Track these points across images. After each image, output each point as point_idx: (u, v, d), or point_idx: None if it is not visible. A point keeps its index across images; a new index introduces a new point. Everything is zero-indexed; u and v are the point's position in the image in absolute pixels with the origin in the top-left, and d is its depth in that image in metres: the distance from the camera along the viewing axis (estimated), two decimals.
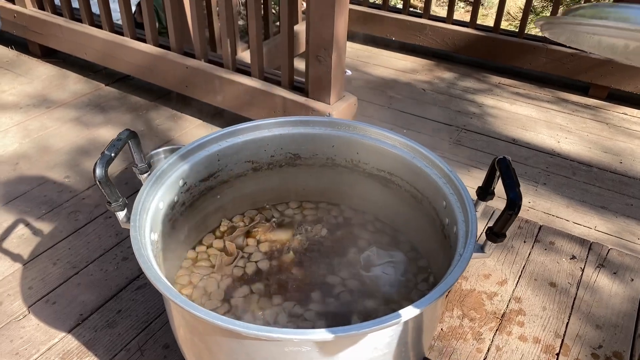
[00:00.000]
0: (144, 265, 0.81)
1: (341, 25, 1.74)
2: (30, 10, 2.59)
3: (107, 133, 2.16)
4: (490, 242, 0.88)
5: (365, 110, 2.52)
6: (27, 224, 1.70)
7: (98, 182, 0.87)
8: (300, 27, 2.67)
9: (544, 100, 2.66)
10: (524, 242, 1.68)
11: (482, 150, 2.27)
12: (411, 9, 3.26)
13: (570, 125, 2.45)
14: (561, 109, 2.58)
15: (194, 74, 2.15)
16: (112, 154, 0.89)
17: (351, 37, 3.24)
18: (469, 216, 0.92)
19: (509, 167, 0.88)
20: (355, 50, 3.17)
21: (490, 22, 3.98)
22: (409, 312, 0.75)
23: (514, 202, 0.81)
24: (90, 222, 1.72)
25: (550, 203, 1.95)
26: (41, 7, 2.60)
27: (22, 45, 2.79)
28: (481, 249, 0.89)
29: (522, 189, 1.73)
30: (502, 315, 1.43)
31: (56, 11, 2.57)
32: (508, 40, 2.73)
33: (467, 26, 2.90)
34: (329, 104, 1.88)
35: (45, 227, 1.70)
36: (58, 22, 2.48)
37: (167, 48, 2.24)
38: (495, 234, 0.86)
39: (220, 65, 2.13)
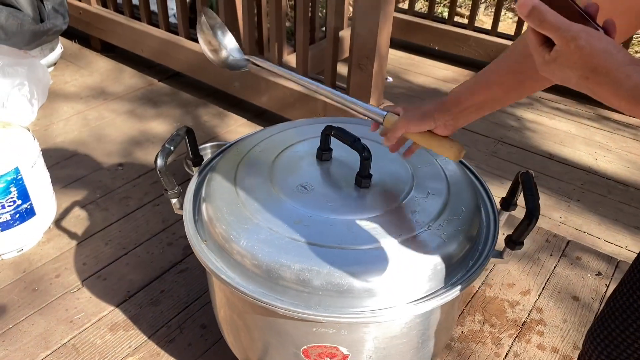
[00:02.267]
0: (196, 248, 0.92)
1: (384, 36, 1.82)
2: (95, 7, 2.77)
3: (158, 126, 2.31)
4: (508, 249, 0.95)
5: None
6: (83, 206, 1.86)
7: (158, 172, 0.98)
8: (346, 33, 2.76)
9: (584, 116, 2.65)
10: (551, 255, 1.72)
11: (517, 163, 2.29)
12: (457, 17, 3.30)
13: (609, 144, 2.44)
14: (601, 127, 2.57)
15: (242, 74, 2.27)
16: (172, 147, 1.00)
17: (394, 44, 3.30)
18: (491, 221, 0.99)
19: (531, 180, 0.95)
20: (397, 58, 3.22)
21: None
22: (421, 307, 0.83)
23: (531, 213, 0.88)
24: (140, 208, 1.85)
25: (582, 220, 1.96)
26: (104, 5, 2.78)
27: (85, 40, 2.98)
28: (500, 255, 0.96)
29: (554, 203, 1.78)
30: (523, 324, 1.48)
31: (118, 9, 2.74)
32: None
33: (511, 39, 2.92)
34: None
35: (99, 210, 1.84)
36: (119, 19, 2.65)
37: None
38: (514, 241, 0.93)
39: None
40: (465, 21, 3.12)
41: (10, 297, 1.50)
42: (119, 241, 1.72)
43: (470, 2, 3.11)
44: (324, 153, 1.02)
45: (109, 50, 2.92)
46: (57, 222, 1.77)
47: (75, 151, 2.15)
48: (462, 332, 1.45)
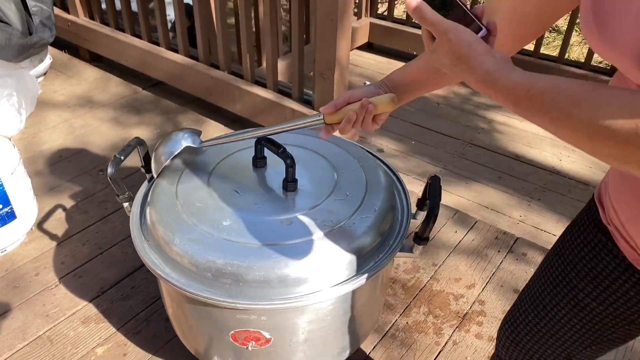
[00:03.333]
0: (138, 247, 1.05)
1: (343, 48, 1.94)
2: (82, 20, 2.91)
3: (140, 133, 2.43)
4: (416, 244, 1.06)
5: None
6: (65, 209, 1.99)
7: (109, 179, 1.11)
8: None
9: None
10: (498, 251, 1.83)
11: (485, 164, 2.40)
12: None
13: None
14: None
15: (218, 83, 2.39)
16: (122, 157, 1.13)
17: (374, 50, 3.42)
18: (404, 219, 1.11)
19: (437, 183, 1.06)
20: (377, 63, 3.34)
21: None
22: (329, 294, 0.95)
23: (431, 212, 0.99)
24: (117, 211, 1.98)
25: (541, 218, 2.07)
26: (91, 18, 2.91)
27: (74, 50, 3.12)
28: (410, 249, 1.08)
29: (516, 203, 1.90)
30: (464, 315, 1.59)
31: (104, 21, 2.88)
32: (523, 59, 2.84)
33: None
34: None
35: (79, 213, 1.97)
36: (105, 31, 2.79)
37: (197, 59, 2.50)
38: (419, 237, 1.05)
39: (241, 77, 2.37)
40: None
41: None
42: (96, 242, 1.85)
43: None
44: (258, 161, 1.14)
45: (97, 60, 3.06)
46: (39, 225, 1.91)
47: (60, 157, 2.29)
48: (407, 322, 1.57)
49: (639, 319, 0.76)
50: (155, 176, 1.15)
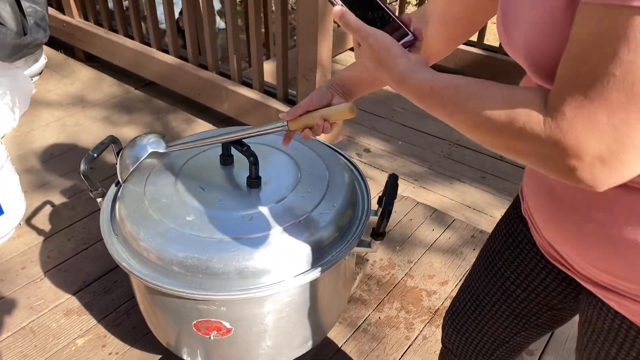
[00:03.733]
0: (107, 240, 1.10)
1: (324, 50, 1.98)
2: (77, 20, 2.97)
3: (130, 132, 2.49)
4: (373, 240, 1.11)
5: (367, 121, 2.74)
6: (53, 205, 2.04)
7: (82, 175, 1.16)
8: None
9: None
10: (474, 249, 1.87)
11: (469, 164, 2.43)
12: None
13: None
14: None
15: (206, 84, 2.45)
16: (95, 155, 1.18)
17: None
18: (364, 216, 1.15)
19: (394, 182, 1.11)
20: None
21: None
22: (282, 287, 1.00)
23: (385, 209, 1.04)
24: None
25: None
26: (86, 19, 2.97)
27: (70, 50, 3.18)
28: (369, 244, 1.12)
29: (498, 203, 1.93)
30: (436, 311, 1.64)
31: (98, 22, 2.94)
32: (512, 61, 2.87)
33: (474, 46, 3.06)
34: None
35: (67, 209, 2.03)
36: (98, 32, 2.85)
37: (186, 59, 2.55)
38: (376, 233, 1.09)
39: (229, 77, 2.42)
40: None
41: None
42: (82, 237, 1.90)
43: None
44: (225, 159, 1.19)
45: (92, 60, 3.12)
46: (28, 220, 1.96)
47: (51, 155, 2.34)
48: (379, 317, 1.61)
49: (559, 305, 0.81)
50: (121, 181, 1.20)
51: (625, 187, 0.55)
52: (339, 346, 1.53)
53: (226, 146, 1.17)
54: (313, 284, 1.07)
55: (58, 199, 2.08)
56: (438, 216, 2.03)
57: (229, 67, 2.40)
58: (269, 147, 1.25)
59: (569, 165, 0.46)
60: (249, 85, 2.36)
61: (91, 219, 1.99)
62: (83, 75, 3.02)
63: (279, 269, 1.01)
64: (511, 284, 0.84)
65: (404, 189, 2.19)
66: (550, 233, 0.71)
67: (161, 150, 1.19)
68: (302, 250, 1.03)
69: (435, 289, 1.71)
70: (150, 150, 1.18)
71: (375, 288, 1.72)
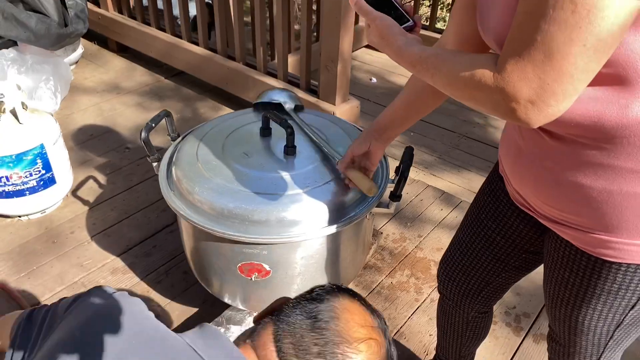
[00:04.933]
0: (165, 194, 1.29)
1: (346, 42, 2.17)
2: (111, 13, 3.18)
3: None
4: (391, 201, 1.29)
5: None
6: (95, 180, 2.25)
7: (142, 142, 1.35)
8: None
9: None
10: None
11: (476, 155, 2.61)
12: (443, 22, 3.62)
13: None
14: None
15: (233, 74, 2.64)
16: (153, 124, 1.37)
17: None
18: (383, 182, 1.34)
19: (410, 153, 1.29)
20: (384, 60, 3.55)
21: None
22: (316, 234, 1.19)
23: (402, 174, 1.23)
24: (141, 183, 2.24)
25: None
26: (120, 12, 3.18)
27: (103, 41, 3.39)
28: (387, 206, 1.31)
29: None
30: None
31: (131, 15, 3.14)
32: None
33: None
34: (335, 105, 2.32)
35: (108, 183, 2.23)
36: (132, 24, 3.06)
37: (215, 51, 2.75)
38: (393, 195, 1.28)
39: (255, 68, 2.61)
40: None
41: (35, 247, 1.90)
42: (123, 208, 2.10)
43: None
44: (264, 130, 1.38)
45: (124, 50, 3.32)
46: (74, 192, 2.17)
47: (91, 136, 2.55)
48: (392, 282, 1.80)
49: (531, 248, 1.00)
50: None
51: (563, 139, 0.74)
52: None
53: (265, 119, 1.37)
54: (337, 236, 1.26)
55: (99, 175, 2.28)
56: (446, 198, 2.21)
57: (255, 59, 2.60)
58: (303, 123, 1.44)
59: (510, 107, 0.61)
60: (273, 75, 2.56)
61: (130, 192, 2.19)
62: (116, 65, 3.22)
63: (311, 221, 1.20)
64: (492, 233, 1.03)
65: (416, 174, 2.37)
66: (516, 181, 0.89)
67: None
68: (330, 206, 1.22)
69: None
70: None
71: (388, 257, 1.90)
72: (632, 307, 0.84)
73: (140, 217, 2.06)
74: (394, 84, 3.24)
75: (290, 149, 1.31)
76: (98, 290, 0.77)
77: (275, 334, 0.70)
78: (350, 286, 1.77)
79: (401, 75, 3.32)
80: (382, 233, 2.00)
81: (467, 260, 1.10)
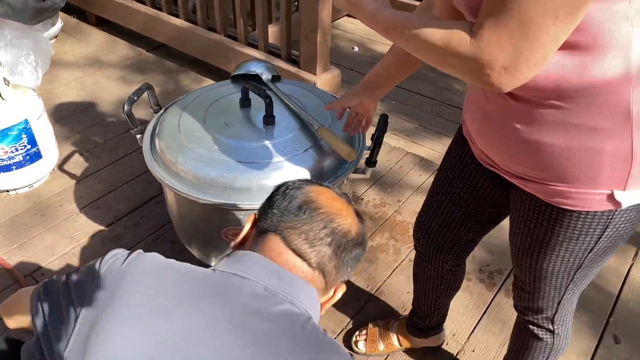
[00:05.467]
0: (149, 165, 1.34)
1: (325, 11, 2.19)
2: None
3: None
4: (366, 167, 1.36)
5: None
6: (81, 154, 2.28)
7: (125, 114, 1.39)
8: None
9: None
10: None
11: (456, 122, 2.67)
12: None
13: None
14: None
15: (215, 45, 2.66)
16: (135, 97, 1.41)
17: None
18: (359, 148, 1.40)
19: (385, 121, 1.35)
20: (365, 29, 3.56)
21: None
22: None
23: (377, 140, 1.28)
24: (127, 156, 2.28)
25: None
26: None
27: (82, 15, 3.36)
28: (363, 171, 1.37)
29: None
30: None
31: None
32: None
33: None
34: (316, 75, 2.36)
35: (93, 157, 2.27)
36: None
37: (196, 23, 2.75)
38: (369, 161, 1.34)
39: (236, 39, 2.63)
40: None
41: (25, 220, 1.95)
42: (109, 181, 2.15)
43: None
44: (244, 101, 1.43)
45: (104, 24, 3.30)
46: (60, 166, 2.20)
47: (74, 111, 2.57)
48: (372, 245, 1.88)
49: (497, 202, 1.07)
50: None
51: (527, 101, 0.80)
52: None
53: (244, 90, 1.41)
54: None
55: (84, 149, 2.31)
56: (425, 164, 2.28)
57: (236, 30, 2.61)
58: (281, 93, 1.49)
59: (485, 73, 0.65)
60: (254, 46, 2.58)
61: (115, 165, 2.23)
62: (96, 39, 3.21)
63: None
64: (460, 191, 1.09)
65: (397, 142, 2.43)
66: (482, 142, 0.95)
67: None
68: (309, 172, 1.28)
69: None
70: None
71: (369, 222, 1.98)
72: (591, 250, 0.92)
73: (127, 189, 2.11)
74: (376, 52, 3.27)
75: (269, 119, 1.36)
76: (120, 253, 0.79)
77: (283, 240, 0.77)
78: None
79: (383, 44, 3.34)
80: (362, 199, 2.07)
81: (440, 219, 1.17)
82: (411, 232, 1.93)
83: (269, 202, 0.84)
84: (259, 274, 0.74)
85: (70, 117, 2.52)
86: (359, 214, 0.85)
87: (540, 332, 1.14)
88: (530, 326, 1.15)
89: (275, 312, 0.71)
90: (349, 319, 1.64)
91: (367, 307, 1.68)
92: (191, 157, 1.28)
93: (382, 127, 1.33)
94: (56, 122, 2.45)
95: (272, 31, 2.71)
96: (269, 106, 1.33)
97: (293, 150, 1.30)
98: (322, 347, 0.72)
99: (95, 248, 1.85)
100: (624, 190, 0.81)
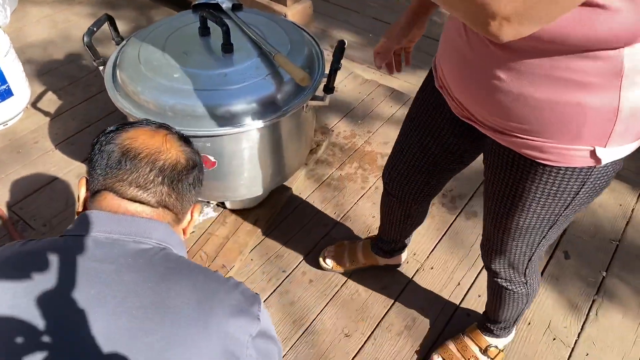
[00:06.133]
0: (112, 96, 1.37)
1: None
2: None
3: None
4: (325, 93, 1.39)
5: (340, 15, 2.92)
6: (55, 91, 2.29)
7: (86, 46, 1.40)
8: None
9: None
10: None
11: (432, 53, 2.67)
12: None
13: None
14: None
15: None
16: (95, 29, 1.42)
17: None
18: (319, 75, 1.42)
19: (342, 47, 1.37)
20: None
21: None
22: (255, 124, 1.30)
23: (333, 66, 1.31)
24: (101, 92, 2.28)
25: None
26: None
27: None
28: (322, 98, 1.40)
29: None
30: None
31: None
32: None
33: None
34: (286, 6, 2.33)
35: (67, 94, 2.28)
36: None
37: None
38: (327, 87, 1.37)
39: None
40: None
41: (1, 158, 1.98)
42: (84, 117, 2.17)
43: None
44: (203, 30, 1.44)
45: None
46: (34, 104, 2.22)
47: (45, 48, 2.54)
48: (341, 174, 1.95)
49: (465, 153, 1.10)
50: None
51: (516, 51, 0.75)
52: (307, 195, 1.87)
53: (203, 18, 1.42)
54: (277, 126, 1.37)
55: (58, 86, 2.32)
56: (396, 95, 2.31)
57: None
58: (247, 26, 1.49)
59: (486, 20, 0.61)
60: None
61: (90, 102, 2.24)
62: None
63: (251, 114, 1.30)
64: (428, 142, 1.10)
65: (372, 76, 2.44)
66: (460, 91, 0.90)
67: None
68: (267, 99, 1.31)
69: (388, 152, 2.01)
70: None
71: (339, 152, 2.04)
72: (567, 206, 0.91)
73: (103, 125, 2.13)
74: None
75: (227, 47, 1.37)
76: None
77: (116, 193, 0.78)
78: (302, 179, 1.92)
79: None
80: (333, 131, 2.12)
81: (407, 166, 1.18)
82: (379, 161, 2.00)
83: (90, 163, 0.83)
84: (98, 227, 0.76)
85: (42, 55, 2.50)
86: (182, 138, 0.85)
87: (514, 287, 1.17)
88: (504, 283, 1.17)
89: (118, 253, 0.74)
90: (316, 242, 1.72)
91: (333, 232, 1.76)
92: (151, 86, 1.31)
93: (338, 53, 1.35)
94: (27, 60, 2.44)
95: None
96: (226, 34, 1.35)
97: (251, 77, 1.33)
98: (171, 272, 0.75)
99: (73, 182, 1.90)
100: (605, 147, 0.80)
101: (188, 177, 0.83)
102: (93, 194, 0.81)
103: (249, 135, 1.35)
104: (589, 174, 0.84)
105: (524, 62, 0.75)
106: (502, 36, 0.63)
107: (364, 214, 1.82)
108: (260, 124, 1.31)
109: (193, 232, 1.69)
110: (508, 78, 0.78)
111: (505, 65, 0.78)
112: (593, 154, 0.80)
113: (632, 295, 1.60)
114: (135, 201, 0.79)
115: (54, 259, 0.73)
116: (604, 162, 0.81)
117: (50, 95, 2.28)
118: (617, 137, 0.79)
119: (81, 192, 0.84)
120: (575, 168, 0.83)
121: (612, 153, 0.81)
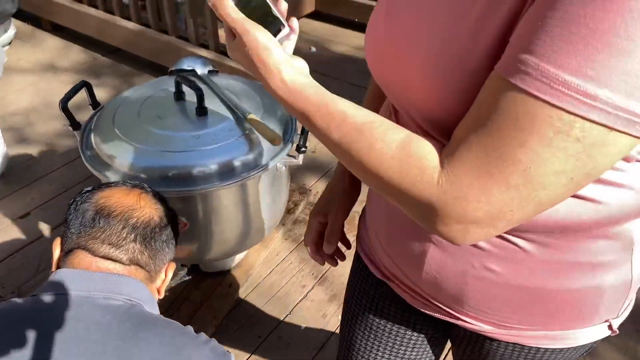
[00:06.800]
0: (85, 160, 1.38)
1: None
2: None
3: (99, 94, 2.68)
4: (297, 153, 1.41)
5: (321, 82, 3.01)
6: (31, 158, 2.29)
7: (62, 110, 1.42)
8: None
9: None
10: None
11: None
12: None
13: None
14: None
15: (167, 47, 2.69)
16: (71, 94, 1.44)
17: (320, 17, 3.68)
18: (293, 136, 1.45)
19: None
20: (324, 29, 3.61)
21: None
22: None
23: (304, 129, 1.34)
24: (79, 158, 2.28)
25: None
26: None
27: (36, 21, 3.36)
28: (295, 158, 1.42)
29: None
30: None
31: None
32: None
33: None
34: None
35: (46, 160, 2.28)
36: (63, 2, 3.04)
37: (148, 26, 2.78)
38: (299, 147, 1.39)
39: (187, 40, 2.66)
40: None
41: None
42: (61, 182, 2.16)
43: None
44: (178, 94, 1.47)
45: (58, 29, 3.30)
46: (11, 169, 2.21)
47: (27, 115, 2.57)
48: None
49: (435, 349, 0.91)
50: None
51: (509, 240, 0.60)
52: (284, 256, 1.85)
53: (178, 83, 1.45)
54: (250, 185, 1.37)
55: (36, 151, 2.33)
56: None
57: (187, 31, 2.65)
58: (215, 86, 1.53)
59: (446, 223, 0.47)
60: (205, 46, 2.62)
61: (68, 167, 2.25)
62: (51, 45, 3.21)
63: (224, 174, 1.31)
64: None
65: None
66: (429, 287, 0.71)
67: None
68: (241, 160, 1.33)
69: None
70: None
71: None
72: None
73: (79, 189, 2.12)
74: (334, 53, 3.33)
75: (201, 110, 1.40)
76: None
77: (89, 251, 0.79)
78: (279, 239, 1.90)
79: (341, 44, 3.40)
80: (311, 190, 2.13)
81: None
82: (357, 220, 1.99)
83: (66, 222, 0.84)
84: (70, 285, 0.76)
85: (23, 122, 2.52)
86: (157, 196, 0.87)
87: None
88: None
89: (87, 310, 0.74)
90: (294, 304, 1.69)
91: (311, 294, 1.73)
92: (124, 150, 1.32)
93: None
94: (7, 127, 2.45)
95: (222, 32, 2.75)
96: (200, 98, 1.38)
97: (224, 139, 1.34)
98: (138, 329, 0.74)
99: (46, 247, 1.86)
100: (617, 317, 0.73)
101: (161, 234, 0.84)
102: (66, 253, 0.82)
103: (221, 195, 1.35)
104: (595, 343, 0.75)
105: (521, 252, 0.61)
106: (463, 241, 0.49)
107: (344, 273, 1.79)
108: (232, 184, 1.32)
109: (166, 294, 1.65)
110: (504, 270, 0.63)
111: (498, 256, 0.62)
112: (609, 327, 0.72)
113: None
114: (108, 259, 0.79)
115: (26, 319, 0.72)
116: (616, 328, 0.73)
117: (28, 161, 2.28)
118: (630, 304, 0.74)
119: (55, 252, 0.85)
120: (586, 344, 0.73)
121: (623, 318, 0.75)
